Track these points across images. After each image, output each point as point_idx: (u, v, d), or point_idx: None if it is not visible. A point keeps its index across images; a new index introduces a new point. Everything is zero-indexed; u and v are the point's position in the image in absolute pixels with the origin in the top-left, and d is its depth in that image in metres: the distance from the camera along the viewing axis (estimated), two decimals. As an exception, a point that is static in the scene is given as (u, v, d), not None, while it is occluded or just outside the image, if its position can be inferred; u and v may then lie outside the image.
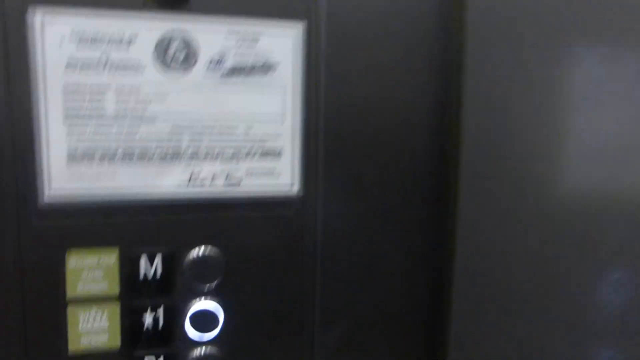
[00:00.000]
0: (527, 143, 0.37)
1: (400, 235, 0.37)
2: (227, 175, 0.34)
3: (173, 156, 0.33)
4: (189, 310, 0.34)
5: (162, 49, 0.32)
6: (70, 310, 0.33)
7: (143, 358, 0.34)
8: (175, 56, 0.32)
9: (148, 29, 0.31)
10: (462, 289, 0.37)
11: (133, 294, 0.33)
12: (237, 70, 0.33)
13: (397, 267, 0.37)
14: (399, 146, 0.36)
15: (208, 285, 0.34)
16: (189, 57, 0.32)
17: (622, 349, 0.41)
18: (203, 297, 0.34)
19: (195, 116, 0.33)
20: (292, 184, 0.35)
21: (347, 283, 0.36)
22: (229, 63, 0.33)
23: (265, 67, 0.34)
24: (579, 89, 0.37)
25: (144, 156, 0.32)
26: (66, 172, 0.31)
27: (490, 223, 0.37)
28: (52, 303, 0.32)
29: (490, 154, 0.36)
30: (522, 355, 0.39)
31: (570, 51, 0.36)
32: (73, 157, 0.31)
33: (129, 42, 0.31)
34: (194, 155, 0.33)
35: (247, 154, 0.34)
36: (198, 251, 0.34)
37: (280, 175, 0.35)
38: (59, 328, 0.33)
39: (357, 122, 0.36)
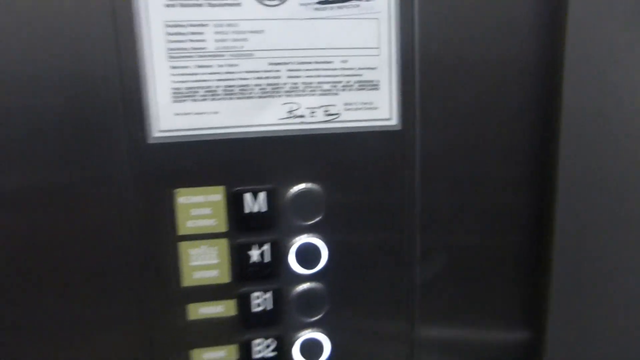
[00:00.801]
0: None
1: (501, 165, 0.36)
2: (326, 109, 0.34)
3: (272, 91, 0.33)
4: (292, 245, 0.35)
5: (257, -17, 0.31)
6: (182, 247, 0.34)
7: (251, 292, 0.35)
8: (269, -10, 0.32)
9: (242, -38, 0.31)
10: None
11: (240, 230, 0.34)
12: (329, 1, 0.32)
13: (497, 198, 0.36)
14: (496, 75, 0.35)
15: (310, 220, 0.35)
16: (283, -10, 0.32)
17: None
18: (306, 233, 0.35)
19: (292, 50, 0.32)
20: (390, 117, 0.34)
21: (446, 214, 0.36)
22: (323, -6, 0.32)
23: (360, -3, 0.33)
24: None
25: (244, 92, 0.32)
26: (171, 111, 0.32)
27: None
28: (164, 241, 0.33)
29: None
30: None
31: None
32: (177, 96, 0.32)
33: (225, -23, 0.31)
34: (293, 90, 0.33)
35: (344, 87, 0.34)
36: (299, 187, 0.34)
37: (378, 108, 0.34)
38: (172, 264, 0.34)
39: (454, 51, 0.34)
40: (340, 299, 0.36)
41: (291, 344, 0.36)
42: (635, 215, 0.36)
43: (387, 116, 0.34)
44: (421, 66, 0.34)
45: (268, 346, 0.36)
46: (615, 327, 0.38)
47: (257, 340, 0.36)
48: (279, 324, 0.36)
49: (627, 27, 0.33)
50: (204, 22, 0.31)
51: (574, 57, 0.34)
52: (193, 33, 0.31)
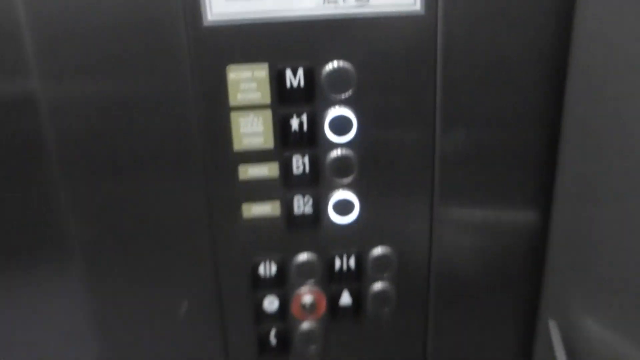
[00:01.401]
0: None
1: (522, 54, 0.40)
2: (357, -5, 0.38)
3: (310, -22, 0.37)
4: (327, 116, 0.40)
5: None
6: (233, 116, 0.40)
7: (292, 157, 0.41)
8: None
9: None
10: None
11: (281, 102, 0.40)
12: None
13: (519, 77, 0.41)
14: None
15: (342, 94, 0.40)
16: None
17: None
18: (339, 105, 0.40)
19: (328, -60, 0.36)
20: (414, 2, 0.39)
21: (467, 90, 0.41)
22: None
23: None
24: None
25: (286, -21, 0.37)
26: (223, -3, 0.37)
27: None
28: (219, 111, 0.39)
29: None
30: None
31: None
32: (228, -17, 0.36)
33: None
34: (328, -22, 0.37)
35: (375, -25, 0.38)
36: (333, 64, 0.39)
37: (405, -6, 0.38)
38: (226, 131, 0.40)
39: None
40: (368, 165, 0.42)
41: (326, 202, 0.43)
42: None
43: (411, 2, 0.39)
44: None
45: (306, 203, 0.43)
46: (617, 214, 0.43)
47: (297, 197, 0.42)
48: (315, 184, 0.42)
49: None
50: None
51: None
52: None
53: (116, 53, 0.37)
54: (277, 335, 0.46)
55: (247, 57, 0.39)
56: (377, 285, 0.45)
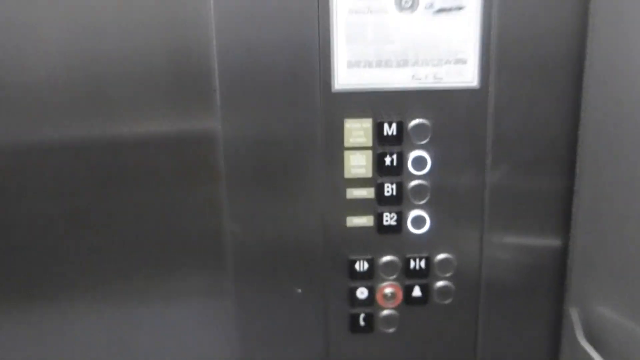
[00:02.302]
0: None
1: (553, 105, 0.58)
2: (435, 75, 0.56)
3: (404, 63, 0.56)
4: (410, 156, 0.58)
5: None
6: (346, 154, 0.58)
7: (384, 184, 0.59)
8: (405, 2, 0.55)
9: (391, -12, 0.54)
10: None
11: (379, 145, 0.58)
12: (442, 10, 0.55)
13: (548, 132, 0.58)
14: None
15: (421, 141, 0.58)
16: (413, 3, 0.55)
17: None
18: (418, 149, 0.58)
19: (417, 40, 0.55)
20: (473, 80, 0.57)
21: (509, 141, 0.58)
22: (437, 5, 0.55)
23: (459, 8, 0.55)
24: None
25: (389, 64, 0.56)
26: (346, 73, 0.56)
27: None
28: (337, 149, 0.57)
29: None
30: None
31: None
32: (350, 64, 0.55)
33: (381, -3, 0.54)
34: (415, 63, 0.56)
35: (446, 62, 0.56)
36: (416, 121, 0.57)
37: (467, 75, 0.57)
38: (340, 163, 0.58)
39: (518, 44, 0.56)
40: (437, 193, 0.59)
41: (406, 218, 0.60)
42: None
43: (471, 80, 0.57)
44: (495, 52, 0.56)
45: (392, 218, 0.60)
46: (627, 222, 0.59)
47: (386, 214, 0.59)
48: (399, 204, 0.59)
49: None
50: (367, 23, 0.54)
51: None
52: (360, 27, 0.55)
53: (279, 106, 0.56)
54: (365, 318, 0.62)
55: (359, 113, 0.57)
56: (440, 283, 0.61)
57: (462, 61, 0.56)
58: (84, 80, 0.56)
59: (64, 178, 0.58)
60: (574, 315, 0.56)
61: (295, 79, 0.56)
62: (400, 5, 0.55)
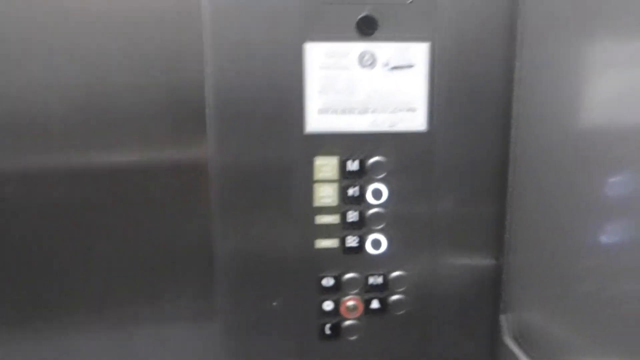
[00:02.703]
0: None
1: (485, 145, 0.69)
2: (390, 121, 0.68)
3: (365, 111, 0.67)
4: (369, 188, 0.69)
5: (361, 58, 0.66)
6: (315, 186, 0.68)
7: (347, 211, 0.69)
8: (366, 61, 0.66)
9: (355, 47, 0.65)
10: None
11: (344, 179, 0.68)
12: (397, 67, 0.66)
13: (483, 169, 0.70)
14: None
15: (379, 175, 0.68)
16: (373, 62, 0.66)
17: None
18: (377, 182, 0.69)
19: (376, 91, 0.67)
20: (422, 125, 0.68)
21: (453, 176, 0.69)
22: (392, 63, 0.66)
23: (410, 66, 0.66)
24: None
25: (352, 111, 0.67)
26: (317, 118, 0.66)
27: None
28: (308, 182, 0.68)
29: None
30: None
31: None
32: (320, 111, 0.66)
33: (347, 55, 0.65)
34: (374, 111, 0.67)
35: (400, 110, 0.67)
36: (375, 158, 0.68)
37: (417, 121, 0.68)
38: (310, 194, 0.68)
39: (458, 95, 0.68)
40: (393, 220, 0.70)
41: (367, 240, 0.70)
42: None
43: (420, 124, 0.68)
44: (439, 100, 0.68)
45: (354, 240, 0.70)
46: (547, 243, 0.70)
47: (349, 237, 0.70)
48: (360, 229, 0.70)
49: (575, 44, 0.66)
50: (335, 77, 0.65)
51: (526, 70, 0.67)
52: (330, 80, 0.65)
53: (261, 144, 0.66)
54: (331, 327, 0.72)
55: (327, 152, 0.68)
56: (396, 296, 0.72)
57: (413, 109, 0.68)
58: (86, 111, 0.65)
59: (61, 202, 0.67)
60: (503, 320, 0.67)
61: (275, 121, 0.66)
62: (362, 63, 0.66)
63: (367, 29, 0.65)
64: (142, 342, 0.71)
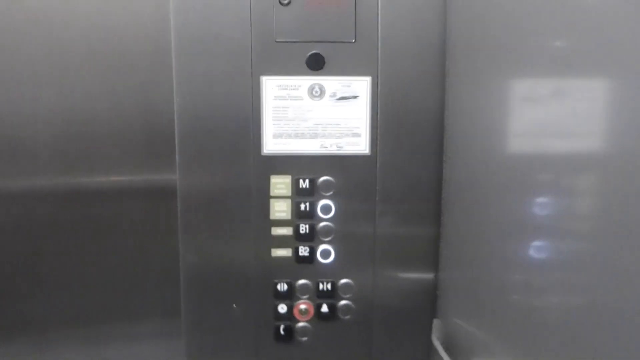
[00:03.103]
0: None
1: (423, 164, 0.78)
2: (337, 145, 0.77)
3: (315, 136, 0.76)
4: (319, 204, 0.78)
5: (311, 90, 0.75)
6: (272, 201, 0.77)
7: (299, 224, 0.78)
8: (315, 92, 0.76)
9: (305, 80, 0.75)
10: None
11: (297, 195, 0.77)
12: (342, 98, 0.76)
13: (418, 184, 0.79)
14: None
15: (328, 193, 0.78)
16: (321, 93, 0.76)
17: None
18: (326, 199, 0.78)
19: (324, 119, 0.76)
20: (365, 149, 0.77)
21: (393, 190, 0.78)
22: (339, 95, 0.76)
23: (354, 97, 0.76)
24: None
25: (304, 136, 0.76)
26: (273, 142, 0.76)
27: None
28: (265, 198, 0.77)
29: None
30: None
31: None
32: (275, 136, 0.76)
33: (298, 88, 0.75)
34: (323, 136, 0.77)
35: (346, 135, 0.77)
36: (323, 178, 0.77)
37: (360, 145, 0.77)
38: (267, 209, 0.77)
39: (397, 122, 0.77)
40: (340, 232, 0.78)
41: (317, 251, 0.79)
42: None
43: (364, 148, 0.77)
44: (380, 126, 0.77)
45: (306, 250, 0.79)
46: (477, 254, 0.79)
47: (301, 247, 0.79)
48: (311, 240, 0.78)
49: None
50: (287, 106, 0.75)
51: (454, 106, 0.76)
52: (281, 111, 0.75)
53: (222, 165, 0.76)
54: (285, 329, 0.80)
55: (281, 171, 0.77)
56: (343, 302, 0.80)
57: (357, 135, 0.77)
58: (67, 136, 0.75)
59: (38, 222, 0.77)
60: (434, 324, 0.75)
61: (235, 145, 0.76)
62: (311, 95, 0.76)
63: (316, 65, 0.75)
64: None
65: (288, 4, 0.73)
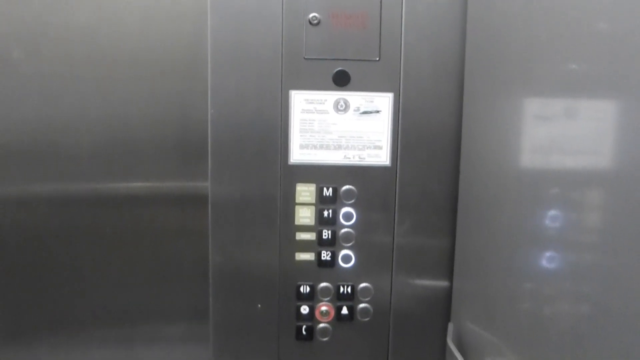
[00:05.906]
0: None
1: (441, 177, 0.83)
2: (359, 156, 0.82)
3: (338, 147, 0.81)
4: (341, 211, 0.82)
5: (336, 104, 0.80)
6: (297, 208, 0.82)
7: (322, 230, 0.83)
8: (340, 107, 0.81)
9: (331, 95, 0.80)
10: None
11: (320, 203, 0.82)
12: (366, 113, 0.81)
13: (438, 198, 0.83)
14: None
15: (350, 201, 0.82)
16: (346, 107, 0.81)
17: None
18: (348, 207, 0.82)
19: (348, 132, 0.81)
20: (386, 160, 0.82)
21: (411, 203, 0.83)
22: (362, 109, 0.81)
23: (377, 111, 0.81)
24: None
25: (328, 147, 0.81)
26: (299, 152, 0.81)
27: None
28: (290, 205, 0.82)
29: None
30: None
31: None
32: (301, 146, 0.81)
33: (324, 102, 0.80)
34: (347, 147, 0.81)
35: (368, 147, 0.82)
36: (346, 186, 0.82)
37: (381, 157, 0.82)
38: (292, 215, 0.82)
39: (417, 136, 0.82)
40: (361, 238, 0.83)
41: (338, 255, 0.83)
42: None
43: (385, 160, 0.82)
44: (401, 140, 0.82)
45: (328, 255, 0.83)
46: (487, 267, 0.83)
47: (323, 252, 0.83)
48: (333, 245, 0.83)
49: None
50: (314, 119, 0.80)
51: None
52: (309, 123, 0.80)
53: (252, 174, 0.81)
54: (307, 329, 0.85)
55: (306, 180, 0.82)
56: (362, 305, 0.84)
57: (378, 147, 0.82)
58: (108, 142, 0.81)
59: (77, 225, 0.83)
60: (449, 327, 0.79)
61: (264, 154, 0.81)
62: (337, 109, 0.81)
63: (341, 81, 0.80)
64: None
65: (317, 24, 0.78)
